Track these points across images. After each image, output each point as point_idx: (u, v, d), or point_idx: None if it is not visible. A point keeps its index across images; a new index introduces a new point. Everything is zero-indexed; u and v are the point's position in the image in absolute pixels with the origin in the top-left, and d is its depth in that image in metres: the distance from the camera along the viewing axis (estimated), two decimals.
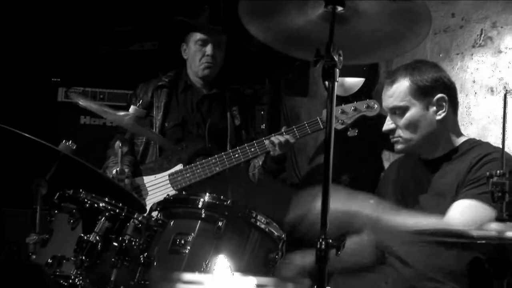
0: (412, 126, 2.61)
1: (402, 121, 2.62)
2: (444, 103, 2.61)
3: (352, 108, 3.46)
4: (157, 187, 3.60)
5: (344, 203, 2.36)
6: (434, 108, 2.61)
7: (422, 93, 2.60)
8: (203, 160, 3.55)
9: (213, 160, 3.53)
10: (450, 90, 2.65)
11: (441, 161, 2.64)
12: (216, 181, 3.57)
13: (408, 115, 2.61)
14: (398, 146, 2.67)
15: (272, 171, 3.64)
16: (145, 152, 3.74)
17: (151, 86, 3.84)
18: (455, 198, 2.48)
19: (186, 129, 3.78)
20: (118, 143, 3.51)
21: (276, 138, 3.46)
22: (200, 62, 3.76)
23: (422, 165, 2.71)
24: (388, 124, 2.67)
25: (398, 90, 2.61)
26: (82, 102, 3.35)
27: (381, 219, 2.40)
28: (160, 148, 3.73)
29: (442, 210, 2.46)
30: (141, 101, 3.75)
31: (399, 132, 2.64)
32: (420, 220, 2.38)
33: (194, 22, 3.82)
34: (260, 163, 3.64)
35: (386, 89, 2.67)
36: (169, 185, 3.58)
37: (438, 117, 2.61)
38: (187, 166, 3.58)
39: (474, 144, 2.65)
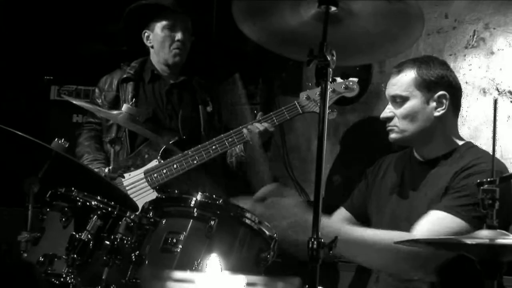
0: (409, 116, 2.61)
1: (401, 111, 2.62)
2: (444, 101, 2.60)
3: (330, 89, 3.29)
4: (134, 186, 3.42)
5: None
6: (434, 104, 2.60)
7: (426, 86, 2.60)
8: (180, 154, 3.40)
9: (190, 153, 3.38)
10: (453, 90, 2.64)
11: (439, 161, 2.63)
12: (194, 175, 3.44)
13: (407, 105, 2.61)
14: (392, 135, 2.67)
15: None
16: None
17: (116, 79, 3.69)
18: (433, 205, 2.47)
19: (158, 122, 3.62)
20: (108, 145, 3.47)
21: (255, 127, 3.33)
22: (170, 49, 3.60)
23: (420, 163, 2.70)
24: (387, 112, 2.67)
25: (402, 79, 2.62)
26: (75, 101, 3.32)
27: (341, 230, 2.37)
28: (131, 145, 3.57)
29: (429, 209, 2.46)
30: (106, 95, 3.63)
31: (396, 121, 2.64)
32: (383, 233, 2.40)
33: (160, 2, 3.62)
34: (238, 150, 3.50)
35: (391, 77, 2.67)
36: (145, 183, 3.41)
37: (437, 114, 2.60)
38: (163, 162, 3.42)
39: (469, 147, 2.65)
